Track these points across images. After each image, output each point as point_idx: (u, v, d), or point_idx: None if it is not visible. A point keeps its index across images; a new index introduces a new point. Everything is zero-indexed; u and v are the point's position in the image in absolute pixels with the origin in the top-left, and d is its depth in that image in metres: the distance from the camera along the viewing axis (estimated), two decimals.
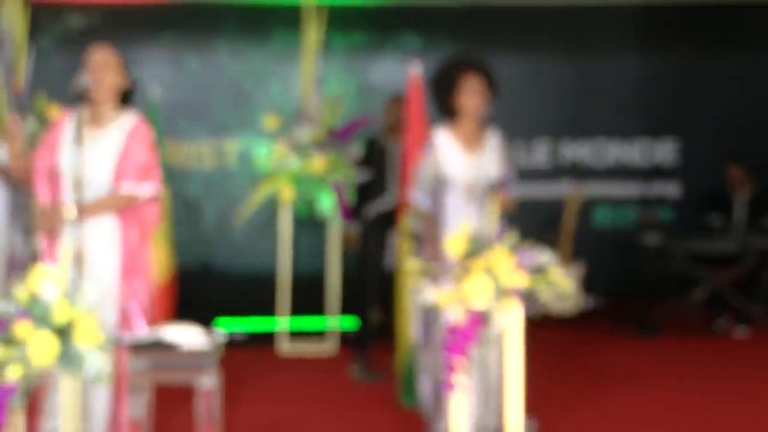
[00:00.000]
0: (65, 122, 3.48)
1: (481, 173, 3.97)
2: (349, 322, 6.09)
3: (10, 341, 2.74)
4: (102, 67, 3.41)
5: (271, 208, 6.19)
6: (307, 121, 6.01)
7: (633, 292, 7.03)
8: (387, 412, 4.61)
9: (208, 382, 3.09)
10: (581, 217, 6.95)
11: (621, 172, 8.06)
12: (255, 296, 6.59)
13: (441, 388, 3.91)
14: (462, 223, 3.73)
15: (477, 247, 3.45)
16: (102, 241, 3.38)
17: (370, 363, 5.42)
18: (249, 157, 7.19)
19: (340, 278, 6.16)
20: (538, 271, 3.47)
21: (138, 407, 3.08)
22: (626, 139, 8.07)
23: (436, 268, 3.50)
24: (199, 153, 7.47)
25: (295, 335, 6.25)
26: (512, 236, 3.48)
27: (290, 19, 7.51)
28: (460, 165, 3.97)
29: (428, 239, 4.01)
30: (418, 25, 7.72)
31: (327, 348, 6.13)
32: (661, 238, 6.73)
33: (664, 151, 8.13)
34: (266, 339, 6.23)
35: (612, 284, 7.31)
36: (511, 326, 3.45)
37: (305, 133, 5.91)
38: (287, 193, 5.89)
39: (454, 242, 3.46)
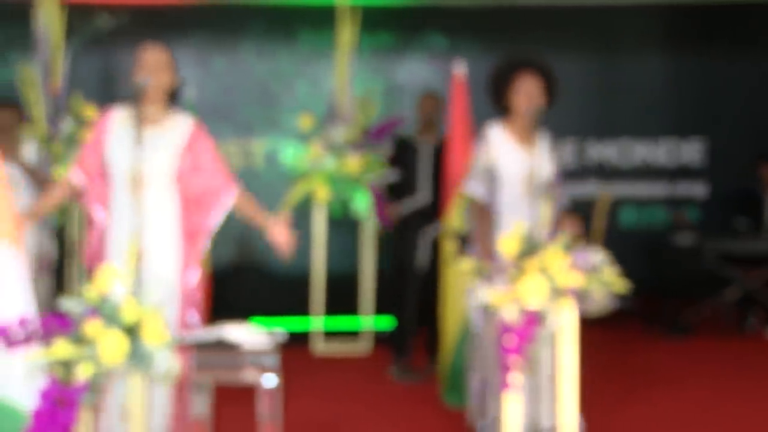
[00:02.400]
0: (109, 122, 3.48)
1: (536, 171, 3.98)
2: (383, 322, 6.10)
3: (80, 340, 2.77)
4: (155, 67, 3.43)
5: (304, 207, 6.20)
6: (341, 121, 6.02)
7: (661, 292, 7.02)
8: (432, 412, 4.62)
9: (270, 381, 3.10)
10: (608, 217, 6.95)
11: (647, 173, 8.06)
12: (289, 296, 6.61)
13: (489, 388, 3.93)
14: (515, 221, 3.74)
15: (531, 247, 3.45)
16: (162, 241, 3.39)
17: (408, 363, 5.42)
18: (276, 157, 7.20)
19: (374, 278, 6.17)
20: (592, 270, 3.48)
21: (200, 406, 3.09)
22: (653, 139, 8.07)
23: (490, 268, 3.50)
24: (226, 153, 7.48)
25: (329, 335, 6.27)
26: (565, 235, 3.49)
27: (317, 20, 7.54)
28: (515, 159, 3.98)
29: (481, 233, 4.00)
30: (444, 26, 7.73)
31: (361, 348, 6.14)
32: (693, 239, 6.73)
33: (691, 151, 8.12)
34: (300, 339, 6.24)
35: (639, 284, 7.28)
36: (566, 326, 3.45)
37: (340, 133, 5.92)
38: (322, 193, 5.90)
39: (507, 242, 3.46)
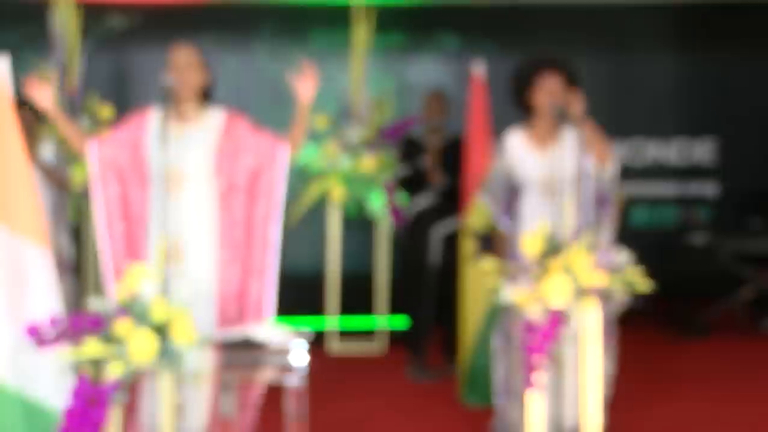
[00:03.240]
0: (146, 121, 3.51)
1: (557, 170, 3.98)
2: (398, 321, 6.11)
3: (110, 339, 2.78)
4: (185, 67, 3.47)
5: (318, 207, 6.20)
6: (356, 120, 6.03)
7: (674, 291, 7.01)
8: (452, 411, 4.62)
9: (298, 380, 3.10)
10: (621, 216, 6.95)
11: (659, 172, 8.05)
12: (303, 296, 6.60)
13: (512, 387, 3.93)
14: (538, 222, 3.75)
15: (554, 247, 3.46)
16: (199, 239, 3.41)
17: (424, 362, 5.43)
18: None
19: (389, 277, 6.18)
20: (615, 270, 3.48)
21: (229, 405, 3.10)
22: (664, 138, 8.06)
23: (513, 268, 3.51)
24: None
25: (344, 335, 6.27)
26: (589, 235, 3.49)
27: (329, 20, 7.54)
28: (535, 163, 3.99)
29: (495, 238, 4.05)
30: (456, 25, 7.73)
31: (376, 347, 6.14)
32: (708, 238, 6.73)
33: (702, 151, 8.11)
34: (315, 339, 6.23)
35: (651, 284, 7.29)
36: (590, 325, 3.46)
37: (355, 133, 5.93)
38: (338, 193, 5.91)
39: (530, 242, 3.47)
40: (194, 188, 3.43)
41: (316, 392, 4.90)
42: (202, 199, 3.46)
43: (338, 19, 7.51)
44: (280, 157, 3.58)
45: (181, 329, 2.81)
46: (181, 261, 3.30)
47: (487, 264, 3.58)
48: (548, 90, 3.93)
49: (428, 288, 5.42)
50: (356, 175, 5.88)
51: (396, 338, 6.11)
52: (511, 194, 4.03)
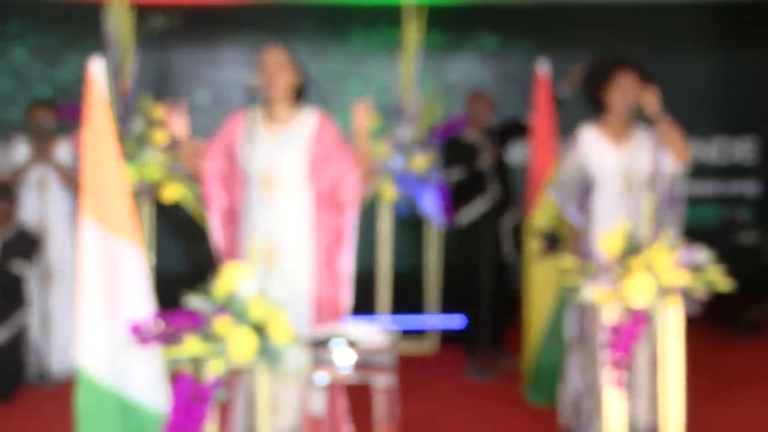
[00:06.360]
0: (238, 123, 3.53)
1: (632, 166, 3.97)
2: (450, 321, 6.11)
3: (209, 337, 2.79)
4: (275, 68, 3.47)
5: (369, 206, 6.20)
6: (407, 120, 6.04)
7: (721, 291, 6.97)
8: (517, 410, 4.62)
9: (388, 379, 3.11)
10: None
11: (699, 171, 8.01)
12: (355, 295, 6.60)
13: (586, 387, 3.93)
14: (613, 220, 3.74)
15: (634, 245, 3.45)
16: (295, 240, 3.42)
17: (483, 360, 5.43)
18: None
19: (443, 276, 6.18)
20: (697, 269, 3.48)
21: (318, 404, 3.11)
22: (704, 137, 8.04)
23: (594, 267, 3.50)
24: None
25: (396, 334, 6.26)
26: (669, 233, 3.49)
27: (369, 19, 7.55)
28: (609, 158, 3.98)
29: (571, 237, 4.04)
30: (494, 25, 7.73)
31: (428, 346, 6.14)
32: (756, 237, 6.71)
33: (743, 150, 8.09)
34: None
35: None
36: (672, 325, 3.45)
37: (406, 133, 5.94)
38: (389, 192, 5.91)
39: (609, 241, 3.46)
40: (289, 189, 3.44)
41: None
42: (297, 200, 3.47)
43: (377, 19, 7.53)
44: (352, 180, 3.55)
45: (278, 328, 2.83)
46: (277, 261, 3.31)
47: (566, 262, 3.58)
48: (623, 88, 3.93)
49: (485, 286, 5.42)
50: (408, 175, 5.88)
51: (447, 337, 6.11)
52: (583, 191, 4.02)
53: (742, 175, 8.03)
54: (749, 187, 8.01)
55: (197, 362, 2.76)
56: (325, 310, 3.47)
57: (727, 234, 6.98)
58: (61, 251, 5.49)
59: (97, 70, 3.04)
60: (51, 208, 5.50)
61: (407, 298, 6.35)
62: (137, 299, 2.97)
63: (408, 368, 5.67)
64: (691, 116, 8.13)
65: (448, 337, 6.12)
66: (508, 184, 5.60)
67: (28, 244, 5.31)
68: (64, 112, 5.61)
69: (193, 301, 2.83)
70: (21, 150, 5.62)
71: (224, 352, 2.76)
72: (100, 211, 2.96)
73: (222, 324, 2.78)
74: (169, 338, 2.75)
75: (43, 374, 5.32)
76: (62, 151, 5.60)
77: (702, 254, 3.50)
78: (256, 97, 3.38)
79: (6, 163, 5.74)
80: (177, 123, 3.47)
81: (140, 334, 2.75)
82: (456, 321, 5.97)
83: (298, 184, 3.46)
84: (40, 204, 5.49)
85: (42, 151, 5.56)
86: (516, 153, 6.47)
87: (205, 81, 7.58)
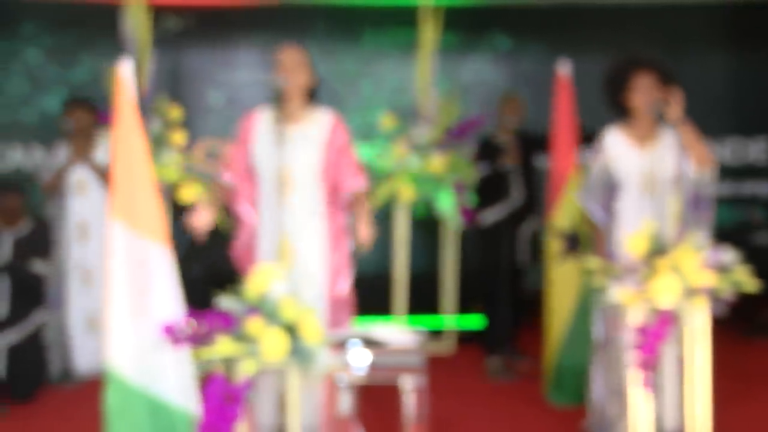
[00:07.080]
0: (253, 122, 3.54)
1: (657, 168, 3.97)
2: (466, 321, 6.10)
3: (241, 338, 2.79)
4: (292, 67, 3.48)
5: (385, 207, 6.20)
6: (424, 120, 6.03)
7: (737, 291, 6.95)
8: (538, 410, 4.61)
9: (417, 380, 3.11)
10: None
11: (713, 172, 8.00)
12: (370, 296, 6.59)
13: (611, 388, 3.92)
14: (638, 221, 3.74)
15: (660, 246, 3.45)
16: (310, 240, 3.42)
17: (503, 360, 5.43)
18: None
19: (457, 277, 6.17)
20: (724, 270, 3.47)
21: (346, 404, 3.10)
22: (718, 138, 8.02)
23: (620, 268, 3.50)
24: None
25: None
26: (694, 234, 3.49)
27: (381, 20, 7.55)
28: (633, 160, 3.98)
29: (597, 241, 4.04)
30: (508, 26, 7.73)
31: (445, 347, 6.14)
32: None
33: (757, 150, 8.07)
34: None
35: None
36: (698, 325, 3.45)
37: (423, 133, 5.93)
38: (407, 193, 5.91)
39: (635, 241, 3.46)
40: (303, 188, 3.45)
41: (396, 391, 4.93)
42: (312, 199, 3.47)
43: (391, 20, 7.53)
44: (348, 186, 3.57)
45: (310, 328, 2.83)
46: (292, 261, 3.31)
47: (591, 263, 3.57)
48: (643, 90, 3.93)
49: (505, 287, 5.42)
50: (425, 176, 5.87)
51: (464, 338, 6.11)
52: (608, 192, 4.02)
53: (756, 175, 8.00)
54: (763, 188, 7.99)
55: (229, 363, 2.76)
56: (343, 310, 3.47)
57: (742, 234, 6.96)
58: (102, 251, 5.48)
59: (125, 70, 3.03)
60: (91, 209, 5.50)
61: (423, 299, 6.34)
62: (167, 300, 2.96)
63: (428, 368, 5.69)
64: (705, 117, 8.04)
65: (465, 337, 6.12)
66: (532, 189, 5.59)
67: (43, 242, 5.30)
68: (105, 118, 5.60)
69: (225, 302, 2.83)
70: (62, 152, 5.65)
71: (256, 352, 2.76)
72: (129, 212, 2.96)
73: (254, 324, 2.78)
74: (201, 339, 2.75)
75: (67, 373, 5.33)
76: (101, 151, 5.61)
77: (729, 255, 3.50)
78: (275, 95, 3.38)
79: (50, 164, 5.75)
80: (203, 219, 3.47)
81: (173, 335, 2.75)
82: (474, 321, 5.97)
83: (311, 183, 3.46)
84: (80, 204, 5.50)
85: (81, 152, 5.59)
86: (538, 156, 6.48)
87: (219, 82, 7.58)
